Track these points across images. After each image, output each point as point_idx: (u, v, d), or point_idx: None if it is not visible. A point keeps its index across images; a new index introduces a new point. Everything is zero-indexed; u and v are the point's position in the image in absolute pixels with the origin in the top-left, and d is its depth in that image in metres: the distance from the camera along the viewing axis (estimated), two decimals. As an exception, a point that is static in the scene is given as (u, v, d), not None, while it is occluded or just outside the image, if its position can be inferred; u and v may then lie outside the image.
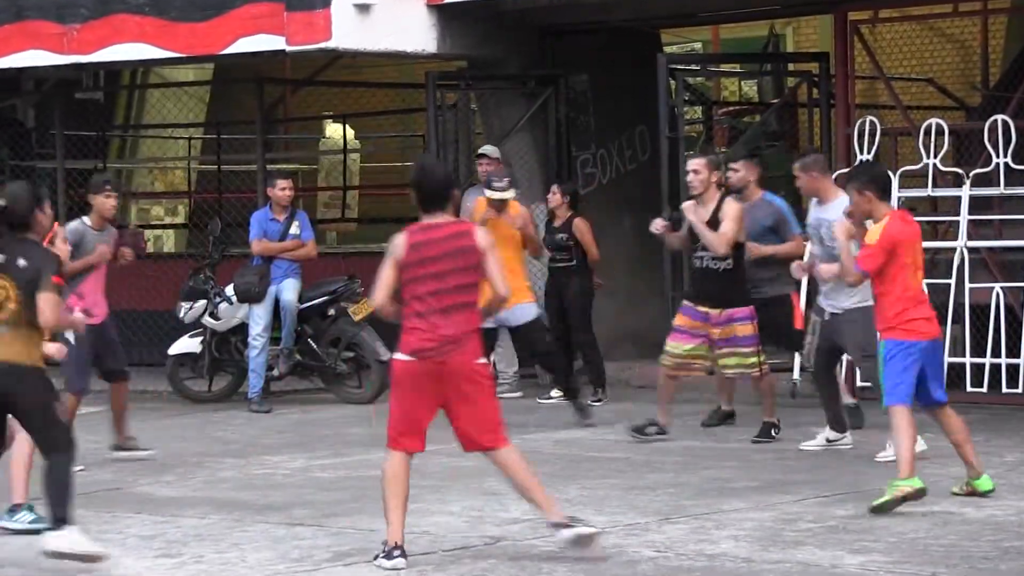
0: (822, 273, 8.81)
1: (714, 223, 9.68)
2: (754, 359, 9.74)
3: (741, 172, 10.34)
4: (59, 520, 6.75)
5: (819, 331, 9.35)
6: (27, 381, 6.81)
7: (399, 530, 6.72)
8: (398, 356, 6.81)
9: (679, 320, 9.87)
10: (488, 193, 10.80)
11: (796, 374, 11.48)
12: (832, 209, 9.13)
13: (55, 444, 6.80)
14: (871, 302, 8.26)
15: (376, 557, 6.76)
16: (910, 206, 11.31)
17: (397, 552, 6.69)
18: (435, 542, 7.18)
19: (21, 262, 6.84)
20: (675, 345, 9.81)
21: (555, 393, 11.99)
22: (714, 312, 9.70)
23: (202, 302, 12.38)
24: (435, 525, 7.59)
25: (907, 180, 11.69)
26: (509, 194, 10.79)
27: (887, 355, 7.85)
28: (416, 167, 7.05)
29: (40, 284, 6.78)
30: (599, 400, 11.80)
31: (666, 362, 9.85)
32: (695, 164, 9.87)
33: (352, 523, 7.69)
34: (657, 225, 10.25)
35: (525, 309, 10.69)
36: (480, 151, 12.55)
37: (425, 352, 6.71)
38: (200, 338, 12.40)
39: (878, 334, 7.99)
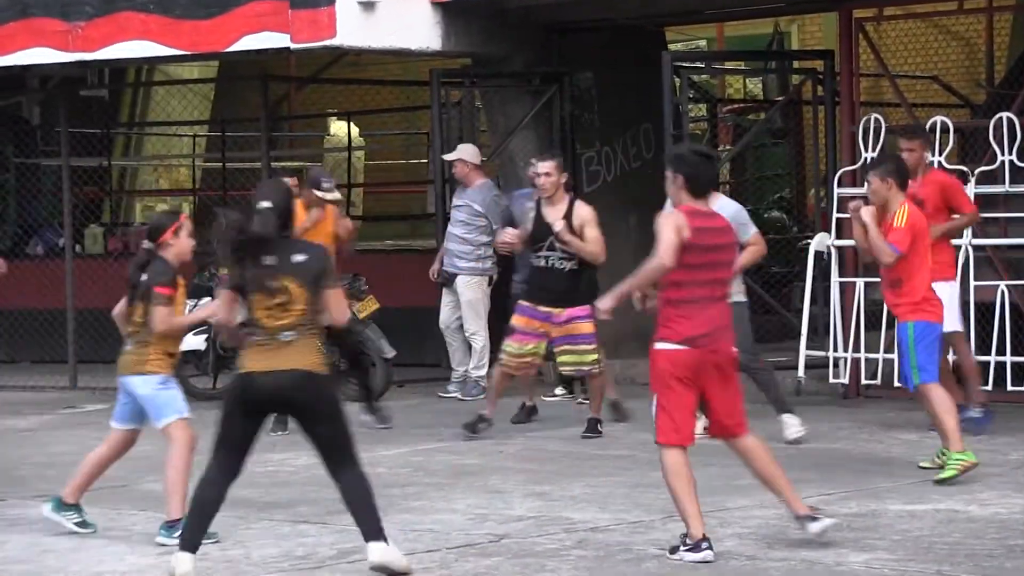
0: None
1: (570, 226, 9.80)
2: (592, 356, 9.91)
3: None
4: (379, 532, 6.36)
5: None
6: (323, 392, 6.35)
7: (700, 522, 6.63)
8: (664, 346, 6.72)
9: (518, 321, 9.90)
10: (318, 194, 10.52)
11: (801, 371, 11.48)
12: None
13: (343, 461, 6.37)
14: (743, 298, 9.22)
15: (674, 550, 6.68)
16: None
17: (705, 544, 6.61)
18: (439, 539, 7.18)
19: (299, 258, 6.33)
20: (516, 346, 9.88)
21: (559, 391, 11.98)
22: (556, 311, 9.82)
23: (207, 299, 12.38)
24: (439, 523, 7.59)
25: (912, 178, 11.69)
26: (335, 195, 10.65)
27: (917, 336, 8.27)
28: (689, 152, 7.05)
29: (325, 282, 6.33)
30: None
31: (506, 362, 9.91)
32: (546, 167, 9.91)
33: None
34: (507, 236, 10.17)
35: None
36: (459, 149, 12.49)
37: (698, 339, 6.70)
38: (204, 335, 12.40)
39: (897, 317, 8.47)
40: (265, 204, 6.31)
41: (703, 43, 17.96)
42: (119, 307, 7.49)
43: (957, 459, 8.10)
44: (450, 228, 12.38)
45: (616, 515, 7.65)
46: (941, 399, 8.18)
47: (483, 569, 6.67)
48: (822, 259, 11.66)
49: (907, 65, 15.41)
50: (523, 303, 10.00)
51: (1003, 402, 10.78)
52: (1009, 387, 10.84)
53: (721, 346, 6.77)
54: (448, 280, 12.38)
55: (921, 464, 8.53)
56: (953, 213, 9.97)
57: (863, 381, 11.62)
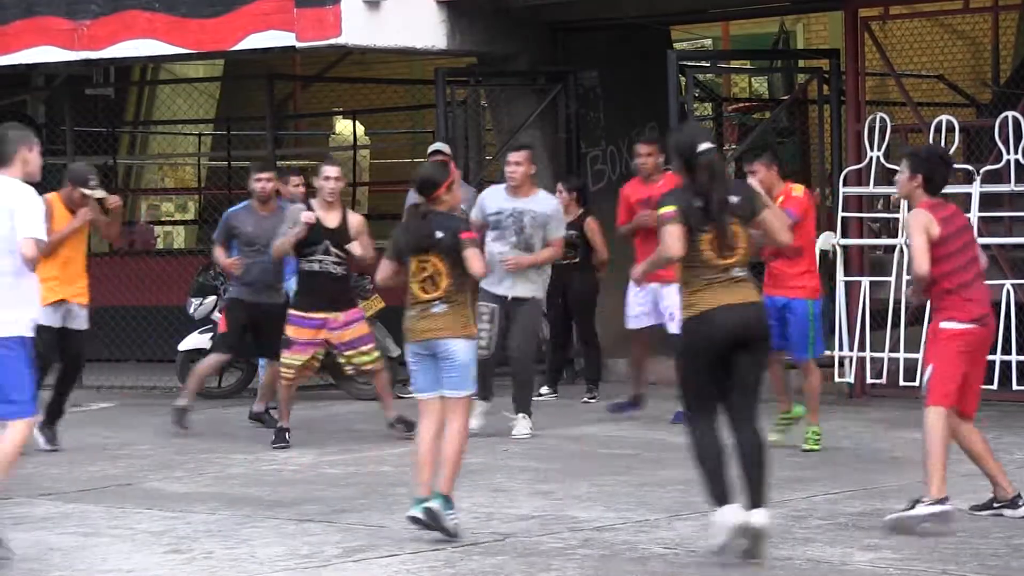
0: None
1: (347, 233, 9.83)
2: (376, 354, 10.07)
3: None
4: (760, 500, 6.52)
5: (498, 318, 9.85)
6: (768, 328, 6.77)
7: (943, 484, 7.03)
8: (953, 325, 7.15)
9: (293, 333, 9.80)
10: (85, 192, 10.12)
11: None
12: None
13: (749, 417, 6.54)
14: (540, 295, 9.91)
15: (913, 505, 7.04)
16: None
17: (944, 502, 7.00)
18: (445, 539, 7.18)
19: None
20: (295, 358, 9.81)
21: (544, 390, 11.99)
22: (332, 317, 9.80)
23: (212, 298, 12.39)
24: (444, 521, 7.58)
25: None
26: (101, 193, 10.32)
27: (817, 312, 9.31)
28: (927, 153, 7.47)
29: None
30: (593, 398, 11.80)
31: (287, 375, 9.86)
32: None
33: (362, 519, 7.69)
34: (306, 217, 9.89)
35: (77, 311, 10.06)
36: (436, 148, 12.46)
37: (984, 318, 7.25)
38: (210, 334, 12.40)
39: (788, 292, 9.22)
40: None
41: (708, 42, 17.95)
42: (386, 272, 7.24)
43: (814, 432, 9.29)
44: None
45: (621, 514, 7.64)
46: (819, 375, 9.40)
47: (488, 568, 6.66)
48: (827, 258, 11.65)
49: (913, 64, 15.39)
50: (295, 314, 9.82)
51: (1008, 401, 10.77)
52: (1015, 386, 10.83)
53: (991, 324, 7.37)
54: None
55: (805, 447, 9.25)
56: None
57: (868, 380, 11.61)
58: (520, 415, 10.07)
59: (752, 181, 8.91)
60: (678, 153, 6.71)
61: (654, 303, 10.38)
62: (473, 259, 7.10)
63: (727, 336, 6.50)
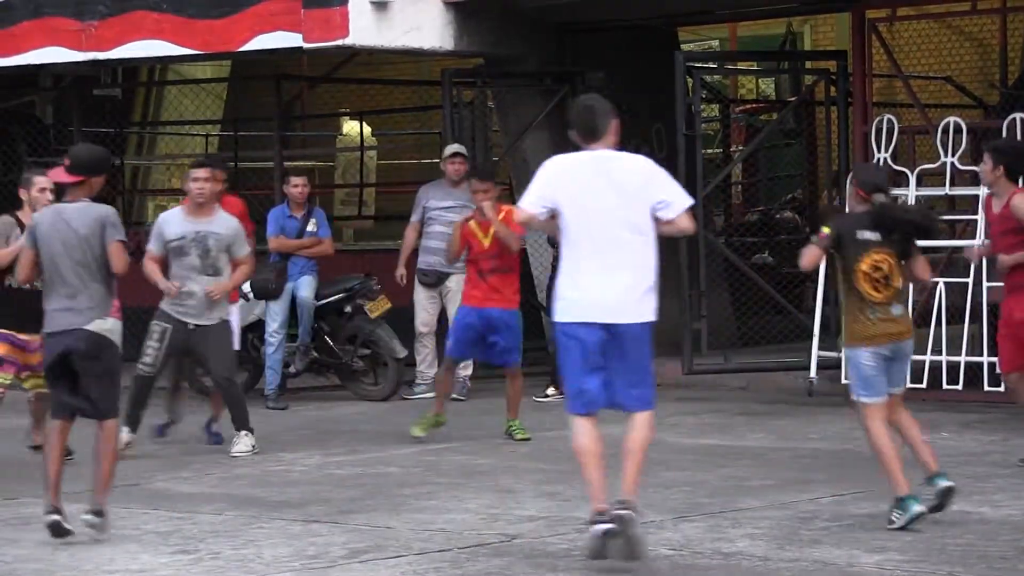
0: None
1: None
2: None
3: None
4: None
5: (169, 339, 9.58)
6: None
7: None
8: None
9: (4, 351, 9.27)
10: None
11: (813, 372, 11.46)
12: None
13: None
14: (230, 317, 9.73)
15: None
16: (928, 205, 11.29)
17: None
18: (451, 539, 7.18)
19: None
20: (3, 376, 9.29)
21: (550, 391, 11.98)
22: (33, 338, 9.01)
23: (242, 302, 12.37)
24: (451, 522, 7.59)
25: (925, 179, 11.66)
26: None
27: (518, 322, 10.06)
28: (1006, 144, 8.11)
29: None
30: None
31: None
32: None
33: (368, 520, 7.69)
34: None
35: None
36: (456, 150, 12.47)
37: None
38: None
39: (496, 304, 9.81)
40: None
41: (716, 43, 17.94)
42: (810, 257, 7.30)
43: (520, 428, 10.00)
44: (443, 228, 12.24)
45: (628, 515, 7.62)
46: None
47: (495, 569, 6.66)
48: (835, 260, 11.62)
49: (920, 66, 15.38)
50: (2, 331, 9.21)
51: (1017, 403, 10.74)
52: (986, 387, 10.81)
53: None
54: (437, 280, 12.31)
55: (414, 433, 9.87)
56: None
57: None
58: (242, 432, 9.73)
59: None
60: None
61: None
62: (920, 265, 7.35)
63: None
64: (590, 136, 6.67)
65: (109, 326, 7.34)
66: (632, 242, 6.59)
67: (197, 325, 9.55)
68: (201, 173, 9.70)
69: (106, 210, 7.45)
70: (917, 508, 7.09)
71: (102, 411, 7.34)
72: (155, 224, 9.83)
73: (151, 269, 9.62)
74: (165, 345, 9.59)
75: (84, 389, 7.31)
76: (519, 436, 10.08)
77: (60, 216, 7.40)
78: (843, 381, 11.49)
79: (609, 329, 6.59)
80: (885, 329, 7.18)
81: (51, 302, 7.40)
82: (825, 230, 7.22)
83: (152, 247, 9.68)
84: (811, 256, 7.29)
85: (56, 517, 7.24)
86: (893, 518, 7.10)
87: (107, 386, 7.34)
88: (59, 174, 7.50)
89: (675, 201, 6.63)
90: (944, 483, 7.26)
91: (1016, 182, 8.59)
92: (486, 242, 9.99)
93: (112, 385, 7.37)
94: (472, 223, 10.09)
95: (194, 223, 9.62)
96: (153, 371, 9.64)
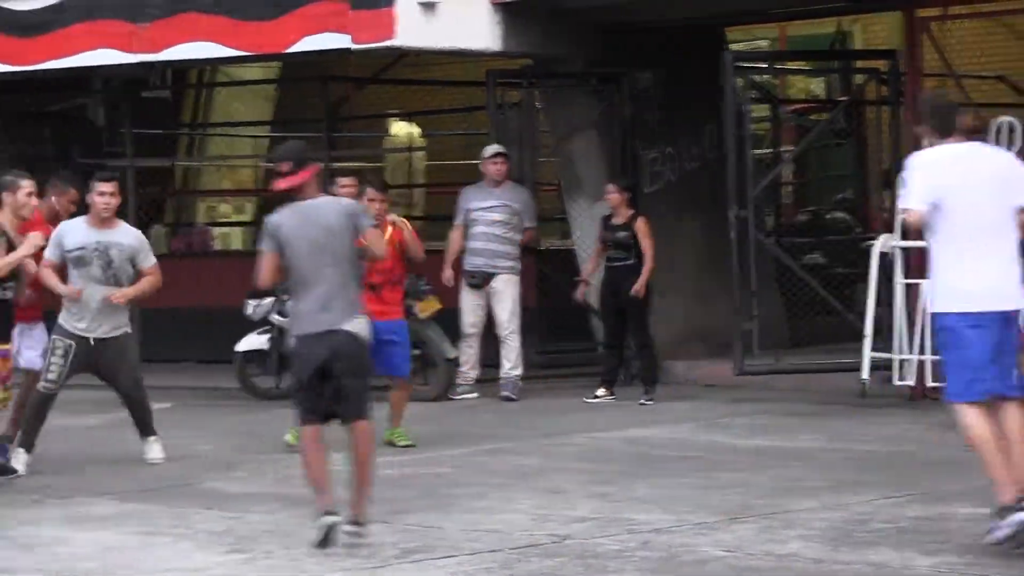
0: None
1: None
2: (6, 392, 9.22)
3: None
4: None
5: (73, 355, 9.29)
6: None
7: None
8: None
9: None
10: None
11: (865, 373, 11.38)
12: None
13: None
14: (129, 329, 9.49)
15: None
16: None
17: None
18: (502, 540, 7.17)
19: None
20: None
21: (601, 391, 11.95)
22: (3, 347, 9.00)
23: (269, 299, 12.42)
24: (502, 523, 7.57)
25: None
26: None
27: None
28: None
29: None
30: (651, 400, 11.76)
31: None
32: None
33: (419, 520, 7.69)
34: None
35: None
36: (498, 150, 12.48)
37: None
38: (268, 335, 12.44)
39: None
40: None
41: (765, 43, 17.85)
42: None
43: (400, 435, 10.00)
44: (486, 229, 12.29)
45: (680, 516, 7.60)
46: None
47: (546, 569, 6.64)
48: (886, 260, 11.55)
49: (973, 64, 15.23)
50: None
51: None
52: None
53: None
54: (483, 281, 12.32)
55: (288, 439, 9.54)
56: None
57: (928, 383, 11.50)
58: (151, 438, 9.61)
59: None
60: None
61: None
62: None
63: None
64: (949, 129, 6.96)
65: (362, 324, 7.21)
66: (1005, 231, 6.81)
67: (97, 339, 9.34)
68: (107, 188, 9.38)
69: (352, 203, 7.42)
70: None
71: (359, 411, 7.22)
72: (55, 232, 9.46)
73: (47, 275, 9.32)
74: (69, 361, 9.30)
75: (343, 390, 7.16)
76: (402, 443, 9.95)
77: (304, 215, 7.10)
78: (896, 382, 11.42)
79: (1005, 316, 6.77)
80: None
81: (306, 303, 7.13)
82: None
83: (49, 254, 9.36)
84: None
85: (336, 518, 7.05)
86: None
87: (364, 386, 7.24)
88: (285, 182, 7.14)
89: None
90: None
91: None
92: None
93: (367, 385, 7.28)
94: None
95: (97, 233, 9.35)
96: (56, 388, 9.34)
